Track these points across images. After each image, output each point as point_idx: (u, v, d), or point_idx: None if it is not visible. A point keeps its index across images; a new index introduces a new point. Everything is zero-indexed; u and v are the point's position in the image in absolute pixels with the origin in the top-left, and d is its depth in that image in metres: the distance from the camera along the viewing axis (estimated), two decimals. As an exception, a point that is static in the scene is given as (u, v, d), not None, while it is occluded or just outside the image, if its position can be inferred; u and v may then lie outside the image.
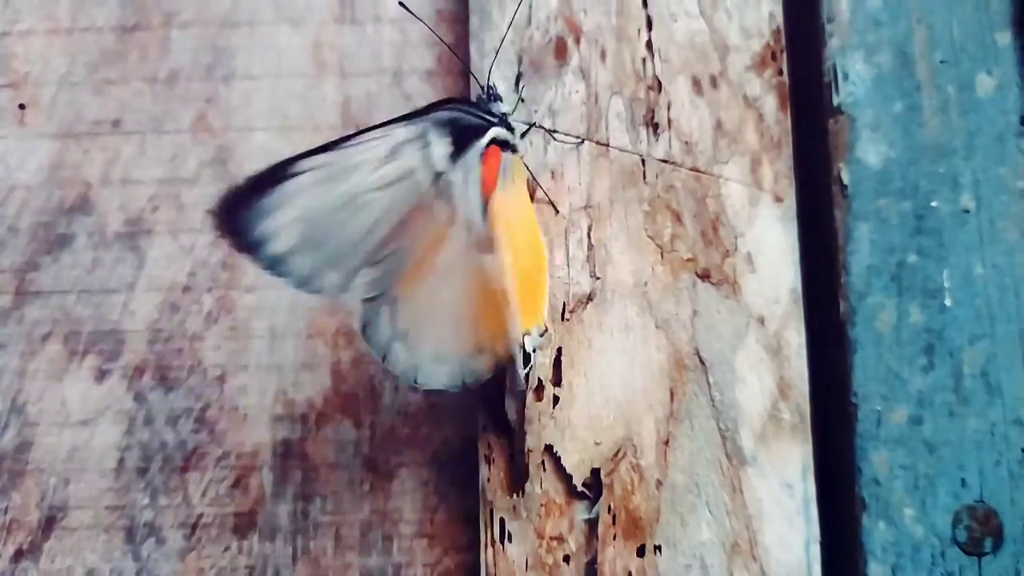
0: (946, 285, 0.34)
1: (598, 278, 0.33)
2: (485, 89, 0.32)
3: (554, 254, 0.34)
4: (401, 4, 0.33)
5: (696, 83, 0.35)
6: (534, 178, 0.34)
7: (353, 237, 0.30)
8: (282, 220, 0.28)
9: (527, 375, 0.32)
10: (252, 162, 0.37)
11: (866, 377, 0.34)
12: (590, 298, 0.33)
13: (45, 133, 0.38)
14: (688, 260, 0.33)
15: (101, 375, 0.36)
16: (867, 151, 0.35)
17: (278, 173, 0.28)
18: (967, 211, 0.35)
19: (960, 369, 0.34)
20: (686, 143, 0.34)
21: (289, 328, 0.36)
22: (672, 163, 0.34)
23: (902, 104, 0.35)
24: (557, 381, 0.33)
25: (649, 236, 0.34)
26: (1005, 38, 0.36)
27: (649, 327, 0.33)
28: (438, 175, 0.30)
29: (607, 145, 0.34)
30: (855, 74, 0.35)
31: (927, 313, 0.34)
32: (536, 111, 0.34)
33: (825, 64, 0.36)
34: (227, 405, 0.36)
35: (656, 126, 0.34)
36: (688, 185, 0.34)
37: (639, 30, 0.35)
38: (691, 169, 0.34)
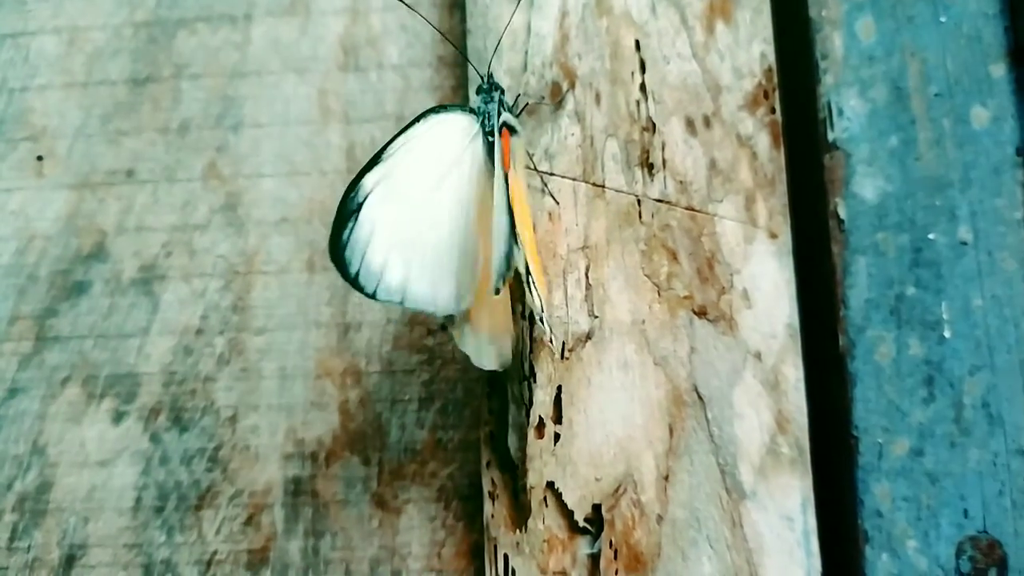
0: (945, 317, 0.34)
1: (596, 317, 0.34)
2: (485, 79, 0.33)
3: (553, 294, 0.34)
4: (402, 0, 0.35)
5: (690, 123, 0.35)
6: (534, 165, 0.35)
7: (440, 244, 0.31)
8: (379, 249, 0.30)
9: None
10: (261, 208, 0.38)
11: (867, 410, 0.34)
12: (589, 337, 0.34)
13: (62, 183, 0.39)
14: (685, 298, 0.34)
15: (118, 417, 0.37)
16: (863, 186, 0.35)
17: (348, 203, 0.29)
18: (965, 243, 0.35)
19: (960, 400, 0.34)
20: (681, 182, 0.35)
21: (298, 369, 0.37)
22: (667, 203, 0.35)
23: (897, 138, 0.36)
24: (558, 419, 0.33)
25: (646, 275, 0.34)
26: (999, 70, 0.36)
27: (648, 364, 0.34)
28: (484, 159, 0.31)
29: (603, 186, 0.35)
30: (849, 109, 0.36)
31: (926, 345, 0.34)
32: (533, 155, 0.35)
33: (819, 100, 0.36)
34: (239, 444, 0.37)
35: (651, 167, 0.35)
36: (684, 224, 0.34)
37: (633, 73, 0.36)
38: (686, 208, 0.35)
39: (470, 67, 0.36)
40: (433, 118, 0.32)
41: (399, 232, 0.31)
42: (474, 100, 0.33)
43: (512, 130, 0.32)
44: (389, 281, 0.31)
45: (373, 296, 0.31)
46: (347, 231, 0.30)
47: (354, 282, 0.30)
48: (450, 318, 0.33)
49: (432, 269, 0.31)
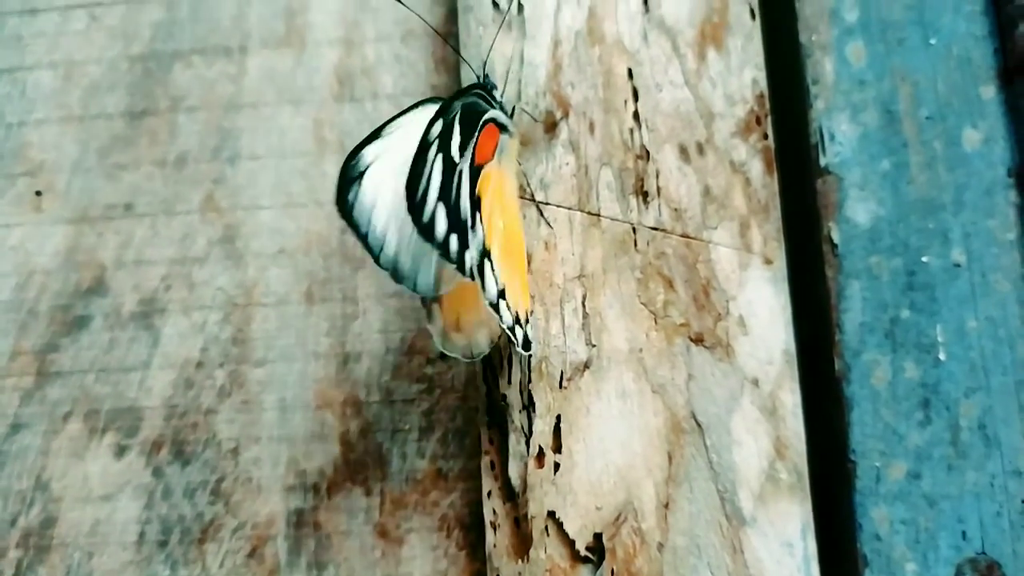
0: (940, 339, 0.35)
1: (594, 346, 0.34)
2: (480, 78, 0.34)
3: (550, 324, 0.34)
4: (399, 0, 0.36)
5: (683, 151, 0.35)
6: (526, 178, 0.35)
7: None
8: (381, 217, 0.30)
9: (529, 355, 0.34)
10: (259, 240, 0.39)
11: (863, 434, 0.34)
12: (587, 366, 0.34)
13: (61, 218, 0.40)
14: (681, 325, 0.34)
15: (120, 451, 0.38)
16: (856, 210, 0.36)
17: (350, 170, 0.30)
18: (958, 265, 0.35)
19: (957, 422, 0.34)
20: (675, 210, 0.35)
21: (298, 400, 0.37)
22: (662, 230, 0.35)
23: (889, 162, 0.36)
24: (557, 448, 0.34)
25: (642, 303, 0.34)
26: (989, 91, 0.36)
27: (646, 392, 0.34)
28: (452, 165, 0.31)
29: (598, 215, 0.35)
30: (841, 134, 0.36)
31: (922, 368, 0.34)
32: (528, 184, 0.35)
33: (811, 125, 0.36)
34: (241, 477, 0.37)
35: (646, 194, 0.35)
36: (679, 251, 0.35)
37: (626, 101, 0.36)
38: (681, 235, 0.35)
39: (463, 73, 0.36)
40: (431, 107, 0.32)
41: (396, 206, 0.31)
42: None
43: (503, 128, 0.33)
44: (387, 251, 0.31)
45: (377, 261, 0.31)
46: (352, 193, 0.30)
47: (365, 243, 0.31)
48: (424, 301, 0.33)
49: (416, 248, 0.31)
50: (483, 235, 0.30)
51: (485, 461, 0.35)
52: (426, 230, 0.29)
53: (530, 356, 0.34)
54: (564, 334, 0.34)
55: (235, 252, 0.39)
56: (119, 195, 0.40)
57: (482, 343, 0.34)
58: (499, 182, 0.32)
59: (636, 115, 0.36)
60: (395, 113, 0.32)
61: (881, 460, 0.34)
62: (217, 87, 0.40)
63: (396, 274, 0.31)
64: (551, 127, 0.36)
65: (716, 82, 0.36)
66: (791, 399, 0.34)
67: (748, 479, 0.33)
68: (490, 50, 0.36)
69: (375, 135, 0.31)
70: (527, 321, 0.32)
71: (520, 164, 0.35)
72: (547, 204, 0.35)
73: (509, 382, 0.35)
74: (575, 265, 0.35)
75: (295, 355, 0.38)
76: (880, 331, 0.35)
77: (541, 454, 0.34)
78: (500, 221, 0.31)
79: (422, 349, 0.38)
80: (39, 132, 0.40)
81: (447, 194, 0.29)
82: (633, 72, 0.36)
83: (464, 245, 0.29)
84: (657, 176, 0.35)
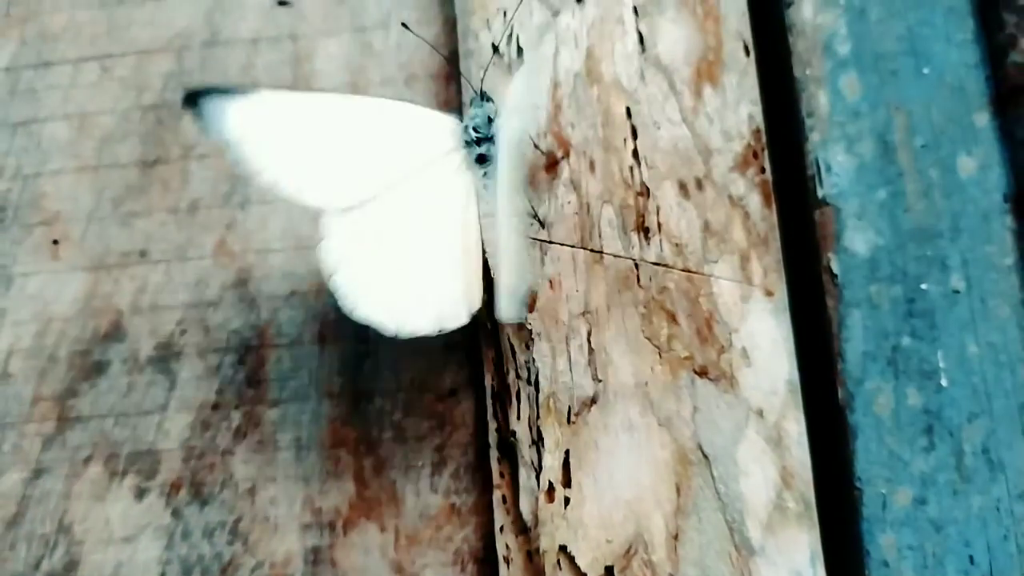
0: (941, 366, 0.35)
1: (600, 381, 0.35)
2: (478, 93, 0.36)
3: (557, 360, 0.35)
4: (404, 25, 0.38)
5: (682, 187, 0.36)
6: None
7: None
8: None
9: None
10: (270, 283, 0.40)
11: (868, 461, 0.35)
12: (594, 401, 0.35)
13: (77, 266, 0.41)
14: (686, 358, 0.35)
15: (140, 493, 0.38)
16: (854, 240, 0.36)
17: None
18: (957, 291, 0.36)
19: (961, 448, 0.34)
20: (676, 245, 0.36)
21: (313, 439, 0.38)
22: (664, 265, 0.36)
23: (886, 191, 0.37)
24: (567, 482, 0.34)
25: (647, 337, 0.35)
26: (983, 119, 0.37)
27: (652, 425, 0.34)
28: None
29: (601, 252, 0.36)
30: (837, 165, 0.37)
31: (924, 394, 0.35)
32: (532, 224, 0.36)
33: (807, 158, 0.37)
34: (259, 516, 0.38)
35: (647, 230, 0.36)
36: (681, 286, 0.35)
37: (625, 140, 0.37)
38: (683, 270, 0.35)
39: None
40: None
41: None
42: (467, 111, 0.36)
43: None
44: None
45: None
46: None
47: None
48: None
49: None
50: None
51: (497, 496, 0.36)
52: None
53: (538, 393, 0.35)
54: (571, 370, 0.35)
55: (248, 295, 0.40)
56: (134, 242, 0.41)
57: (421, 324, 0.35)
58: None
59: (635, 153, 0.37)
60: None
61: (887, 487, 0.34)
62: (227, 134, 0.41)
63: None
64: (552, 166, 0.37)
65: (713, 118, 0.37)
66: (796, 429, 0.34)
67: (756, 509, 0.33)
68: (484, 73, 0.37)
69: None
70: None
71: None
72: (550, 242, 0.36)
73: (518, 418, 0.35)
74: (580, 302, 0.36)
75: (309, 395, 0.39)
76: (882, 359, 0.35)
77: (551, 489, 0.34)
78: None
79: (432, 387, 0.38)
80: (54, 182, 0.42)
81: None
82: (631, 111, 0.37)
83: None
84: (657, 212, 0.36)
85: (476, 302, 0.34)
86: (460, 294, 0.34)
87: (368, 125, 0.35)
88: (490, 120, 0.35)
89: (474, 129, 0.35)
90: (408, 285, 0.34)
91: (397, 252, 0.34)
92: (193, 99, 0.33)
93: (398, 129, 0.35)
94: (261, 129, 0.34)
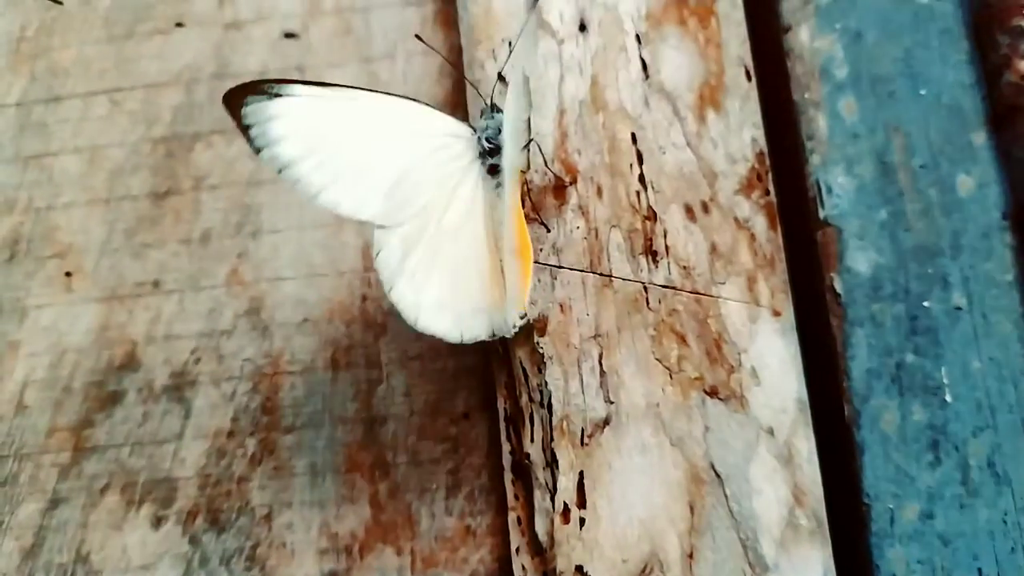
0: (945, 381, 0.36)
1: (612, 403, 0.35)
2: (488, 104, 0.36)
3: (569, 383, 0.36)
4: (417, 37, 0.39)
5: (689, 210, 0.37)
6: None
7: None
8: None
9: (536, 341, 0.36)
10: (283, 310, 0.40)
11: (876, 477, 0.35)
12: (606, 423, 0.35)
13: (91, 297, 0.41)
14: (696, 379, 0.35)
15: (157, 521, 0.39)
16: (856, 259, 0.37)
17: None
18: (959, 308, 0.36)
19: (966, 462, 0.35)
20: (684, 268, 0.36)
21: (328, 464, 0.39)
22: (673, 288, 0.36)
23: (886, 211, 0.37)
24: (582, 503, 0.35)
25: (657, 359, 0.36)
26: (980, 137, 0.38)
27: (664, 446, 0.35)
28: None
29: (610, 276, 0.36)
30: (838, 187, 0.38)
31: (929, 410, 0.36)
32: (541, 250, 0.37)
33: (808, 180, 0.38)
34: (276, 542, 0.38)
35: (655, 254, 0.37)
36: (690, 308, 0.36)
37: (631, 165, 0.37)
38: (691, 292, 0.36)
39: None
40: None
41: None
42: (477, 123, 0.36)
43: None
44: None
45: None
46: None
47: None
48: None
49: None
50: None
51: (512, 517, 0.36)
52: None
53: (552, 416, 0.35)
54: (583, 393, 0.36)
55: (261, 323, 0.40)
56: (147, 273, 0.41)
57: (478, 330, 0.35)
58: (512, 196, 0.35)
59: (642, 178, 0.37)
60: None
61: (894, 502, 0.35)
62: (237, 165, 0.42)
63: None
64: (560, 192, 0.38)
65: (717, 142, 0.38)
66: (806, 446, 0.35)
67: (769, 526, 0.34)
68: (494, 88, 0.38)
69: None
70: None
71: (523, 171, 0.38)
72: (560, 267, 0.37)
73: (532, 440, 0.36)
74: (590, 326, 0.36)
75: (323, 421, 0.39)
76: (887, 376, 0.36)
77: (566, 510, 0.35)
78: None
79: (445, 410, 0.39)
80: (67, 215, 0.42)
81: None
82: (637, 136, 0.38)
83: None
84: (665, 236, 0.37)
85: (521, 307, 0.34)
86: (503, 300, 0.34)
87: (405, 134, 0.36)
88: (499, 131, 0.36)
89: (487, 140, 0.36)
90: (463, 293, 0.35)
91: (448, 262, 0.35)
92: (236, 102, 0.33)
93: (432, 138, 0.36)
94: (312, 141, 0.34)
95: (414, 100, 0.36)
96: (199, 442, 0.39)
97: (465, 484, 0.38)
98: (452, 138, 0.36)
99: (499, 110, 0.36)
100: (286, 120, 0.34)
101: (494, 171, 0.36)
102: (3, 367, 0.41)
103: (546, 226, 0.37)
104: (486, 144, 0.36)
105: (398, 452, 0.39)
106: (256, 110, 0.33)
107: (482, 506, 0.38)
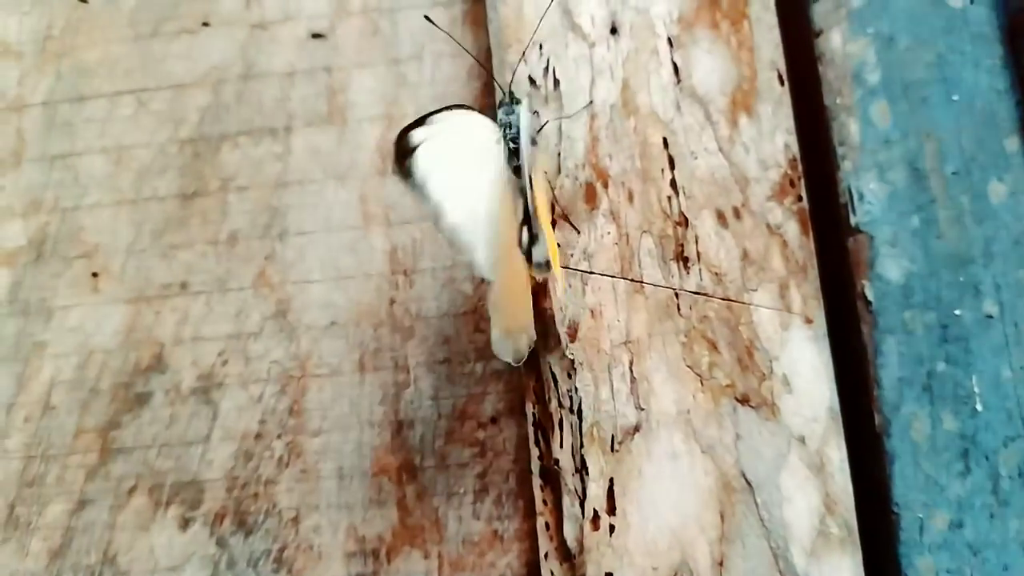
0: (976, 390, 0.36)
1: (643, 409, 0.35)
2: (507, 94, 0.36)
3: (599, 389, 0.36)
4: (426, 18, 0.38)
5: (721, 216, 0.37)
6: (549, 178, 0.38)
7: (477, 214, 0.34)
8: (437, 190, 0.33)
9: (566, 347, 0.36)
10: (310, 313, 0.40)
11: (906, 486, 0.35)
12: (637, 429, 0.35)
13: (118, 298, 0.41)
14: (727, 386, 0.35)
15: (185, 523, 0.39)
16: (888, 267, 0.37)
17: (404, 143, 0.33)
18: (991, 316, 0.36)
19: (997, 471, 0.35)
20: (716, 274, 0.36)
21: (356, 467, 0.39)
22: (704, 294, 0.36)
23: (918, 218, 0.37)
24: (612, 510, 0.35)
25: (688, 366, 0.36)
26: (1014, 144, 0.38)
27: (695, 453, 0.35)
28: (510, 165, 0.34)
29: (641, 282, 0.36)
30: (870, 193, 0.38)
31: (960, 419, 0.36)
32: (572, 255, 0.37)
33: (840, 186, 0.38)
34: (303, 545, 0.38)
35: (686, 260, 0.37)
36: (721, 314, 0.36)
37: (662, 170, 0.37)
38: (723, 299, 0.36)
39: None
40: (463, 111, 0.35)
41: (453, 184, 0.34)
42: (497, 115, 0.36)
43: (532, 142, 0.35)
44: (447, 219, 0.34)
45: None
46: (407, 164, 0.33)
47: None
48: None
49: (472, 230, 0.34)
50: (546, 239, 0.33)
51: (540, 522, 0.36)
52: None
53: (582, 422, 0.35)
54: (613, 399, 0.36)
55: (288, 326, 0.40)
56: (174, 274, 0.41)
57: (523, 348, 0.35)
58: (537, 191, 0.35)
59: (673, 183, 0.37)
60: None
61: (924, 511, 0.35)
62: (264, 166, 0.41)
63: (455, 245, 0.34)
64: (591, 198, 0.37)
65: (749, 147, 0.37)
66: (837, 455, 0.35)
67: (800, 535, 0.34)
68: (514, 72, 0.38)
69: (420, 122, 0.33)
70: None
71: (546, 171, 0.38)
72: (591, 273, 0.37)
73: (561, 446, 0.36)
74: (621, 331, 0.36)
75: (350, 424, 0.39)
76: (917, 384, 0.36)
77: (596, 516, 0.35)
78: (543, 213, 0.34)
79: (473, 414, 0.39)
80: (93, 216, 0.42)
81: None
82: (668, 141, 0.38)
83: (532, 240, 0.33)
84: (696, 241, 0.37)
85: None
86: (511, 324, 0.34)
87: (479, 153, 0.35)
88: (518, 129, 0.35)
89: (511, 140, 0.35)
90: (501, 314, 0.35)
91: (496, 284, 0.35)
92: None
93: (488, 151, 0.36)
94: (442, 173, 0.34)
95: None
96: (226, 444, 0.39)
97: (493, 488, 0.38)
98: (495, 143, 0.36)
99: (518, 101, 0.36)
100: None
101: (513, 155, 0.35)
102: (30, 368, 0.41)
103: (576, 228, 0.37)
104: (511, 144, 0.35)
105: (425, 456, 0.39)
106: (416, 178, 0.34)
107: (510, 511, 0.38)
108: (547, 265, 0.33)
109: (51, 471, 0.40)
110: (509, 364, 0.37)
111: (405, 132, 0.33)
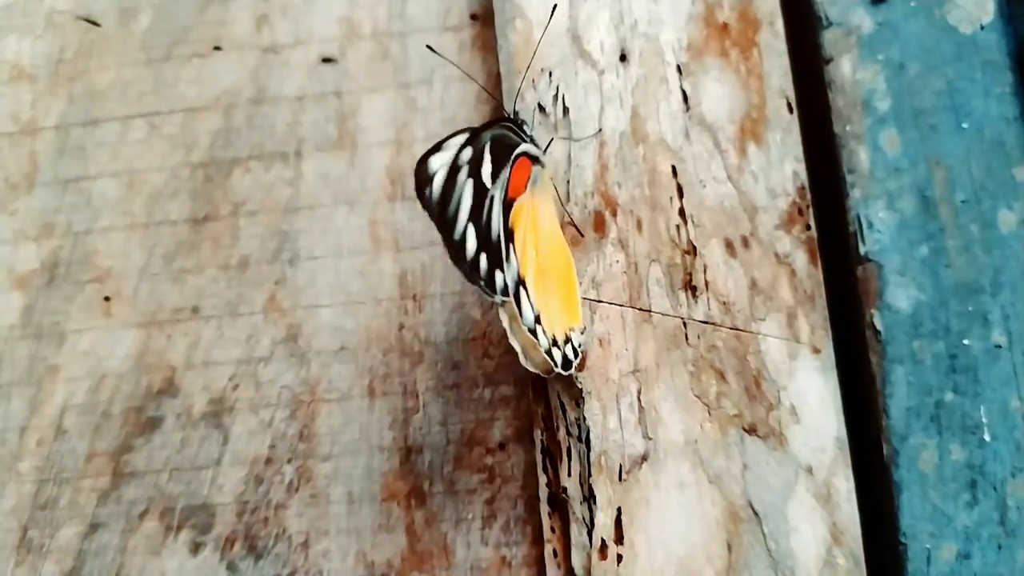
0: (984, 421, 0.36)
1: (651, 439, 0.36)
2: (512, 115, 0.36)
3: (607, 418, 0.36)
4: (429, 47, 0.38)
5: (729, 245, 0.37)
6: (560, 201, 0.37)
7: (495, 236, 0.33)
8: (461, 219, 0.32)
9: (575, 376, 0.36)
10: (320, 338, 0.40)
11: (913, 516, 0.35)
12: (644, 458, 0.35)
13: (130, 322, 0.41)
14: (735, 416, 0.36)
15: (195, 547, 0.39)
16: (896, 296, 0.37)
17: (424, 171, 0.31)
18: (999, 346, 0.36)
19: (1004, 502, 0.35)
20: (724, 303, 0.36)
21: (365, 492, 0.39)
22: (712, 324, 0.36)
23: (927, 247, 0.37)
24: (619, 540, 0.35)
25: (696, 395, 0.36)
26: (1023, 173, 0.38)
27: (703, 483, 0.35)
28: (483, 189, 0.33)
29: (649, 311, 0.36)
30: (879, 222, 0.38)
31: (967, 449, 0.36)
32: (580, 283, 0.37)
33: (849, 214, 0.38)
34: (312, 570, 0.39)
35: (694, 289, 0.37)
36: (729, 344, 0.36)
37: (671, 198, 0.37)
38: (731, 328, 0.36)
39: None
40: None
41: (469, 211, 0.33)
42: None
43: (535, 159, 0.35)
44: (468, 248, 0.32)
45: (455, 259, 0.32)
46: (428, 190, 0.32)
47: (449, 241, 0.32)
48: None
49: (492, 253, 0.33)
50: (517, 265, 0.33)
51: (548, 549, 0.36)
52: (457, 247, 0.31)
53: (590, 451, 0.36)
54: (621, 428, 0.36)
55: (298, 350, 0.40)
56: (185, 299, 0.41)
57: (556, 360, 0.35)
58: (532, 212, 0.34)
59: (682, 211, 0.37)
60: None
61: (931, 542, 0.35)
62: (275, 191, 0.42)
63: (472, 275, 0.32)
64: (600, 226, 0.37)
65: (758, 176, 0.37)
66: (845, 485, 0.35)
67: (807, 566, 0.34)
68: (518, 90, 0.38)
69: (437, 148, 0.32)
70: (567, 341, 0.34)
71: (556, 189, 0.37)
72: (599, 302, 0.37)
73: (569, 475, 0.36)
74: (629, 360, 0.36)
75: (360, 449, 0.39)
76: (926, 415, 0.36)
77: (604, 546, 0.35)
78: (533, 251, 0.34)
79: (482, 440, 0.39)
80: (105, 239, 0.42)
81: (478, 216, 0.32)
82: (677, 169, 0.38)
83: (494, 265, 0.32)
84: (705, 271, 0.37)
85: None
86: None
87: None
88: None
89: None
90: None
91: None
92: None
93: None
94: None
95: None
96: (237, 468, 0.40)
97: (501, 514, 0.39)
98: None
99: (524, 122, 0.36)
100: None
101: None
102: (42, 391, 0.41)
103: (579, 231, 0.37)
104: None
105: (434, 481, 0.39)
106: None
107: (517, 537, 0.38)
108: (506, 292, 0.33)
109: (64, 494, 0.40)
110: (517, 388, 0.37)
111: (424, 160, 0.33)
